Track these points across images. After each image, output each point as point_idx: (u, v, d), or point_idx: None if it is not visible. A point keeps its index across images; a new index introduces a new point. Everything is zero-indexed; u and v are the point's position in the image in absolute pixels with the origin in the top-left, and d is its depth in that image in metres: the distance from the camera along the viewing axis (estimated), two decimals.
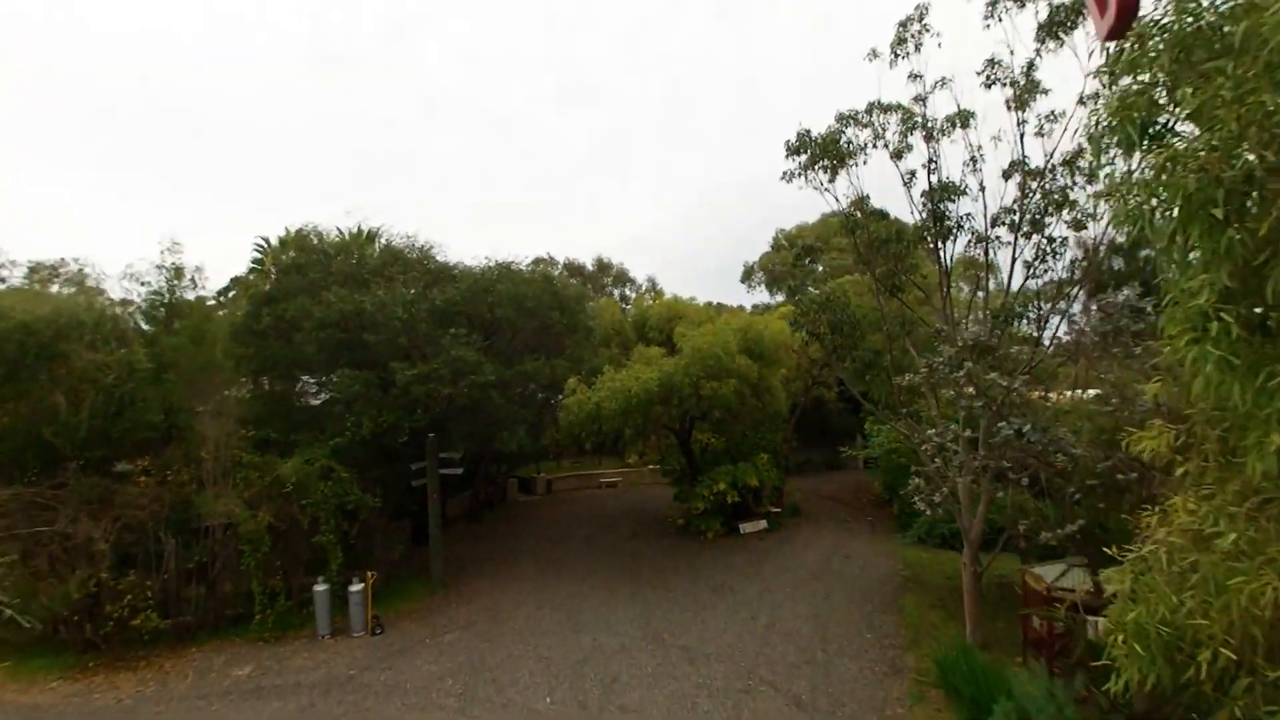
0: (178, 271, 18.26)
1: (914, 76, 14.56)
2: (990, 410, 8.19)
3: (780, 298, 60.34)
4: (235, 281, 43.04)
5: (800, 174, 14.16)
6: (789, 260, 53.68)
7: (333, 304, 17.89)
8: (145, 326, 18.32)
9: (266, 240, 41.84)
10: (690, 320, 23.72)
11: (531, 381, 19.85)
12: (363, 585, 17.67)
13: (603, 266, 68.83)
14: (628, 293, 69.19)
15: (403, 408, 18.29)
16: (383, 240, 31.76)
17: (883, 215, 14.68)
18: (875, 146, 14.81)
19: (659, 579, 20.73)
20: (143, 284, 20.28)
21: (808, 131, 13.87)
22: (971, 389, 7.93)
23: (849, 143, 13.99)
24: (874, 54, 15.16)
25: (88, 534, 16.85)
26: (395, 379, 17.45)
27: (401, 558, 21.48)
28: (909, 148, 14.72)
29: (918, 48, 14.79)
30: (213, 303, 48.94)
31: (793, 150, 13.82)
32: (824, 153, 13.63)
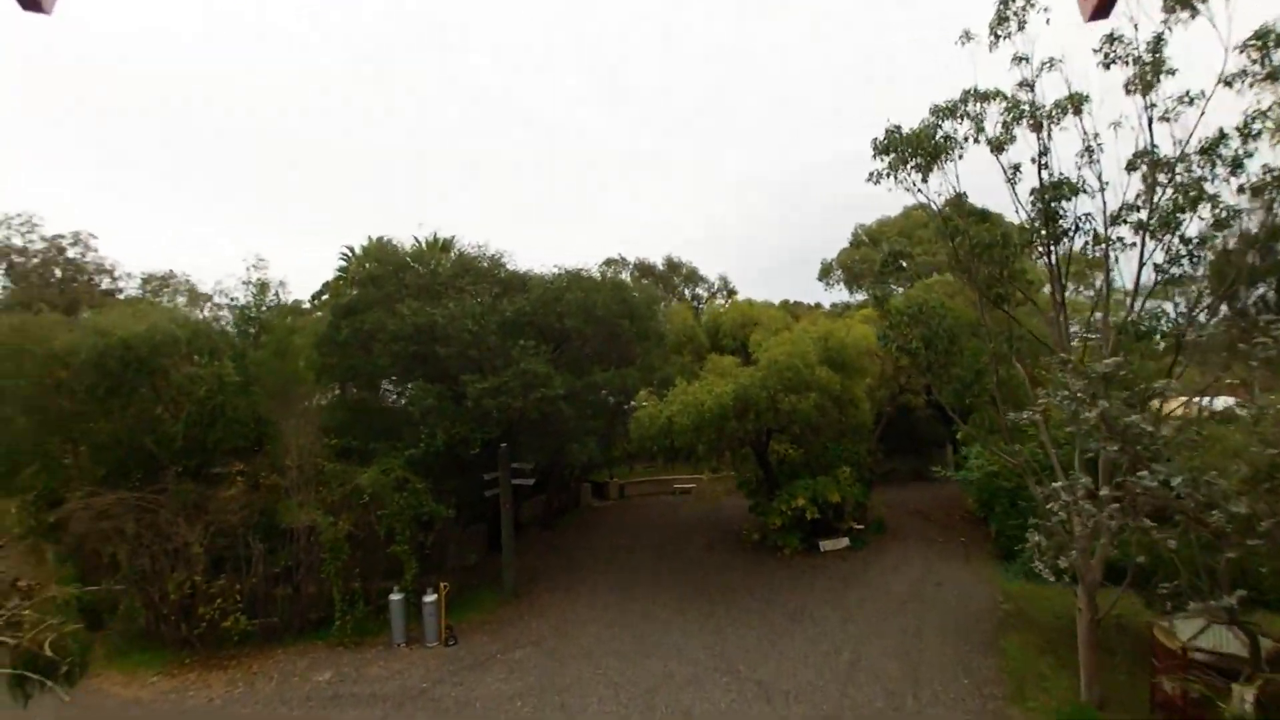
0: (263, 287, 19.02)
1: (1019, 59, 12.99)
2: (1128, 455, 6.92)
3: (860, 296, 57.73)
4: (327, 286, 45.31)
5: (889, 174, 12.89)
6: (874, 261, 51.19)
7: (406, 317, 18.07)
8: (235, 339, 19.13)
9: (351, 249, 43.66)
10: (766, 327, 22.61)
11: (602, 391, 19.41)
12: (436, 596, 17.79)
13: (673, 266, 67.98)
14: (700, 292, 68.15)
15: (475, 420, 18.27)
16: (456, 249, 32.41)
17: (983, 216, 13.19)
18: (975, 141, 13.33)
19: (733, 600, 19.87)
20: (230, 299, 21.40)
21: (897, 128, 12.57)
22: (1106, 431, 6.70)
23: (946, 138, 12.60)
24: (967, 36, 13.64)
25: (184, 538, 17.81)
26: (466, 392, 17.42)
27: (475, 565, 21.64)
28: (1012, 139, 13.16)
29: (1021, 26, 13.21)
30: (308, 305, 51.80)
31: (881, 149, 12.56)
32: (916, 150, 12.31)
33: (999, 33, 13.02)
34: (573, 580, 22.33)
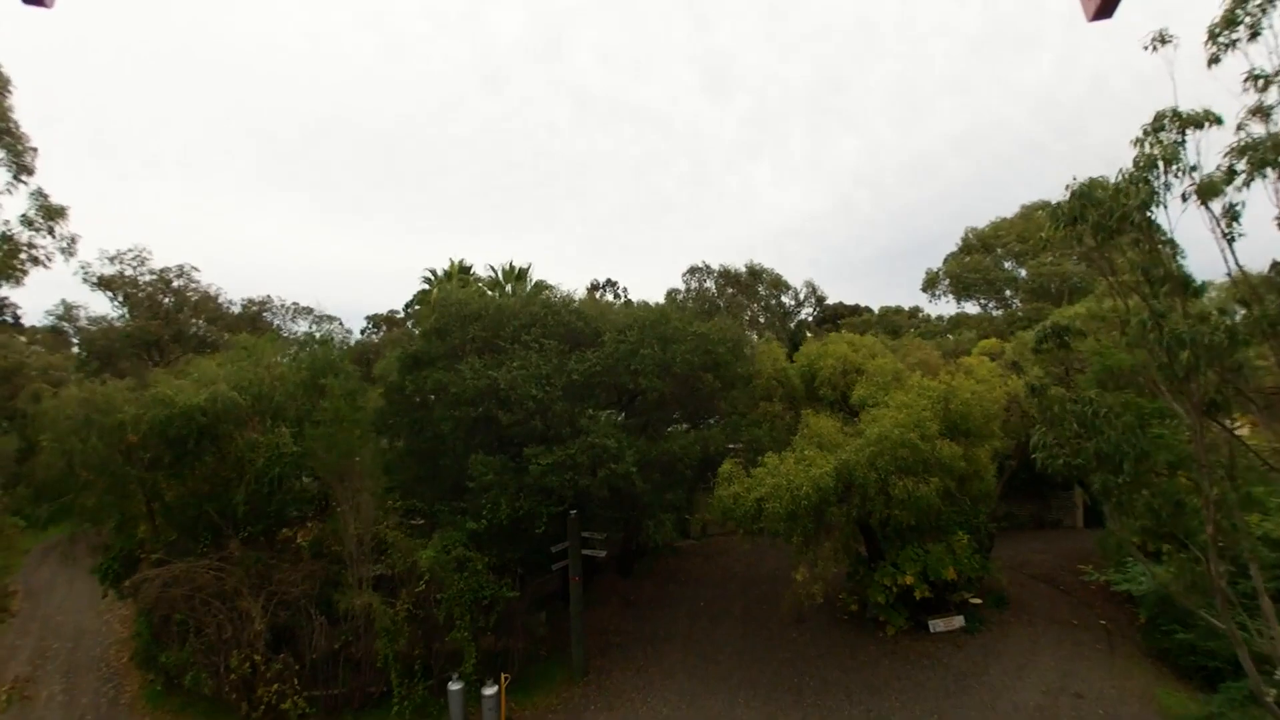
0: (325, 343, 18.18)
1: (1256, 79, 9.57)
2: None
3: (971, 308, 52.29)
4: (418, 297, 45.58)
5: (1075, 242, 9.85)
6: (986, 270, 45.78)
7: (467, 378, 16.57)
8: (300, 395, 18.34)
9: (434, 272, 43.63)
10: (873, 378, 19.55)
11: (680, 460, 17.23)
12: (496, 690, 16.30)
13: (755, 272, 64.50)
14: (785, 300, 64.49)
15: (539, 492, 16.57)
16: (530, 279, 31.13)
17: (1193, 287, 9.85)
18: (1180, 187, 10.02)
19: (829, 700, 17.25)
20: (308, 339, 20.86)
21: (1085, 189, 9.44)
22: None
23: (1152, 194, 9.39)
24: (1160, 40, 10.32)
25: (248, 608, 17.20)
26: (529, 468, 15.73)
27: (542, 637, 20.10)
28: (1242, 185, 9.77)
29: (1255, 35, 9.78)
30: (402, 315, 52.49)
31: (1068, 219, 9.48)
32: (1109, 216, 9.18)
33: (1222, 40, 9.66)
34: (648, 656, 20.34)
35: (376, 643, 16.94)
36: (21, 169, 21.01)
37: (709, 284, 65.57)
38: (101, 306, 35.52)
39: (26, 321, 41.32)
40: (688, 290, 64.33)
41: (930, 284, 50.45)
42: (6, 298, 21.67)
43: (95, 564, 18.69)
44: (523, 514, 16.67)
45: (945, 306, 52.29)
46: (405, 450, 21.27)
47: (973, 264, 47.90)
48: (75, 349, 37.73)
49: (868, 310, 70.72)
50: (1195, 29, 10.45)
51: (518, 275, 29.54)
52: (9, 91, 20.72)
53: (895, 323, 59.98)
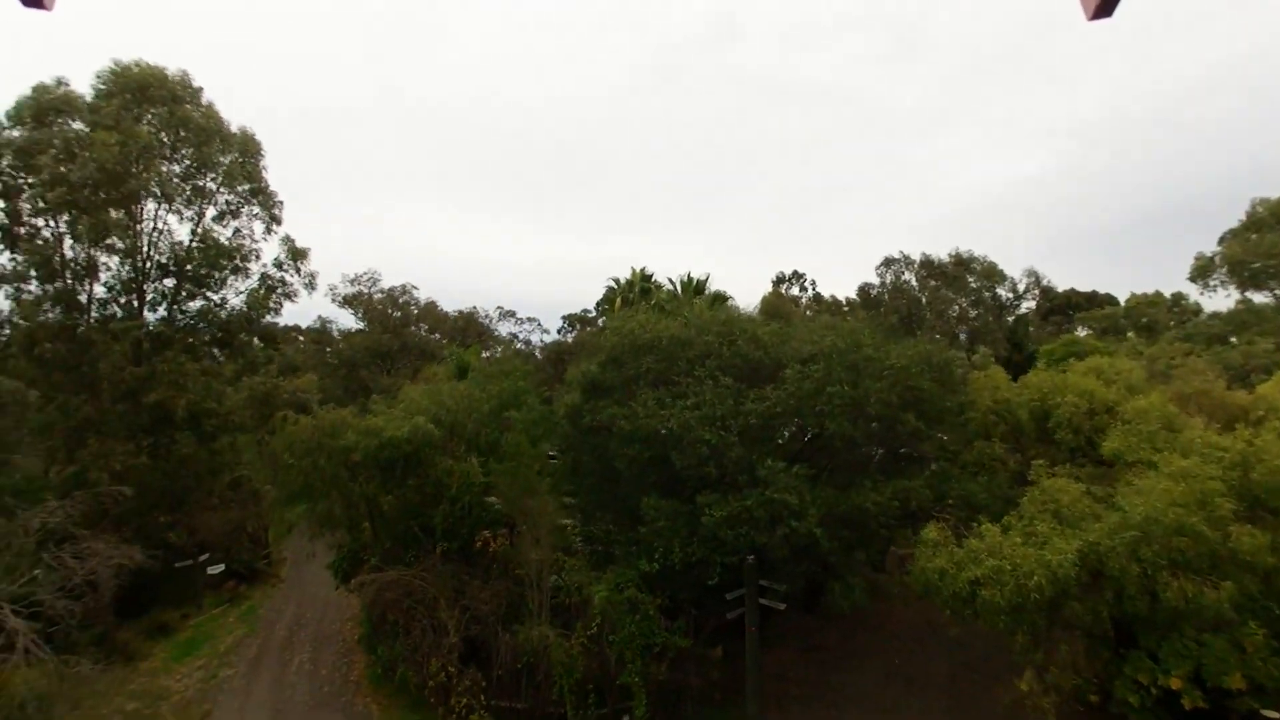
0: (510, 378, 19.00)
1: None
2: None
3: (1262, 297, 41.05)
4: (609, 295, 47.36)
5: None
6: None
7: (640, 418, 16.05)
8: (491, 423, 19.34)
9: (617, 281, 44.65)
10: (1133, 425, 15.55)
11: (873, 520, 15.14)
12: None
13: (962, 261, 56.89)
14: (1001, 292, 56.14)
15: (713, 540, 15.58)
16: (709, 291, 30.14)
17: None
18: None
19: None
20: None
21: None
22: None
23: None
24: None
25: (444, 621, 18.56)
26: (702, 518, 14.80)
27: (717, 680, 19.23)
28: None
29: None
30: (594, 313, 55.32)
31: None
32: None
33: None
34: (830, 719, 18.53)
35: (555, 668, 17.32)
36: (273, 220, 24.86)
37: (907, 276, 59.30)
38: (346, 320, 42.82)
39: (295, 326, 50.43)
40: (882, 285, 58.85)
41: (1201, 273, 40.37)
42: (276, 323, 26.32)
43: (329, 560, 21.53)
44: (695, 560, 15.83)
45: (1221, 300, 41.71)
46: (585, 472, 21.60)
47: (1264, 245, 37.23)
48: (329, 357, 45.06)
49: (1109, 300, 59.30)
50: None
51: (696, 288, 28.79)
52: (261, 154, 24.55)
53: (1149, 318, 49.13)
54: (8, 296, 20.91)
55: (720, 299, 29.00)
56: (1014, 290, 57.06)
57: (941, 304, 56.43)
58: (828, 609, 26.03)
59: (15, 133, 20.24)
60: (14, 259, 20.49)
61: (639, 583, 16.44)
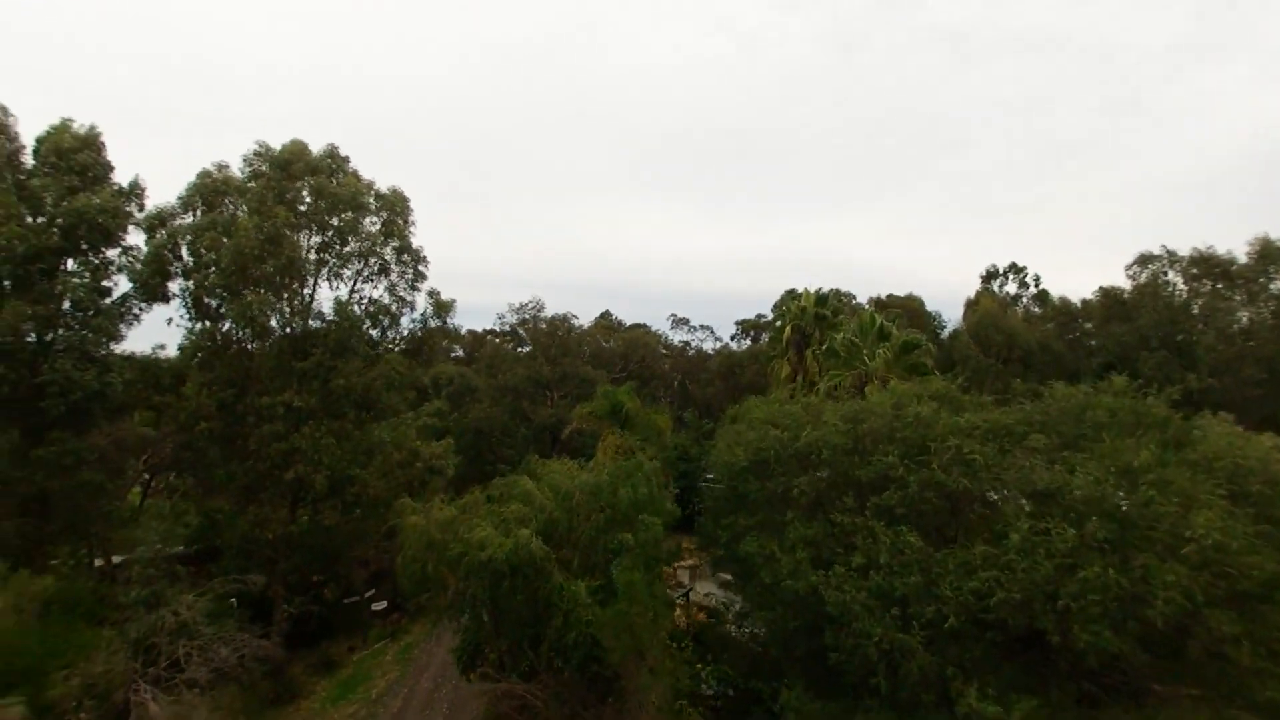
0: (633, 482, 15.93)
1: None
2: None
3: None
4: (782, 306, 43.02)
5: None
6: None
7: (783, 572, 11.88)
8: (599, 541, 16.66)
9: (794, 293, 39.64)
10: None
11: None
12: None
13: (1266, 255, 41.23)
14: None
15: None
16: (896, 329, 24.34)
17: None
18: None
19: None
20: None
21: None
22: None
23: None
24: None
25: None
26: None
27: None
28: None
29: None
30: (770, 317, 51.64)
31: None
32: None
33: None
34: None
35: None
36: (419, 276, 24.34)
37: (1171, 276, 45.46)
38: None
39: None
40: (1134, 288, 45.79)
41: None
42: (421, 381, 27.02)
43: (452, 647, 20.46)
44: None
45: None
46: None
47: None
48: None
49: None
50: None
51: (880, 332, 23.02)
52: (409, 210, 24.04)
53: None
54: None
55: (910, 347, 22.96)
56: None
57: (1221, 315, 42.59)
58: None
59: (188, 218, 21.71)
60: (191, 333, 22.09)
61: None
